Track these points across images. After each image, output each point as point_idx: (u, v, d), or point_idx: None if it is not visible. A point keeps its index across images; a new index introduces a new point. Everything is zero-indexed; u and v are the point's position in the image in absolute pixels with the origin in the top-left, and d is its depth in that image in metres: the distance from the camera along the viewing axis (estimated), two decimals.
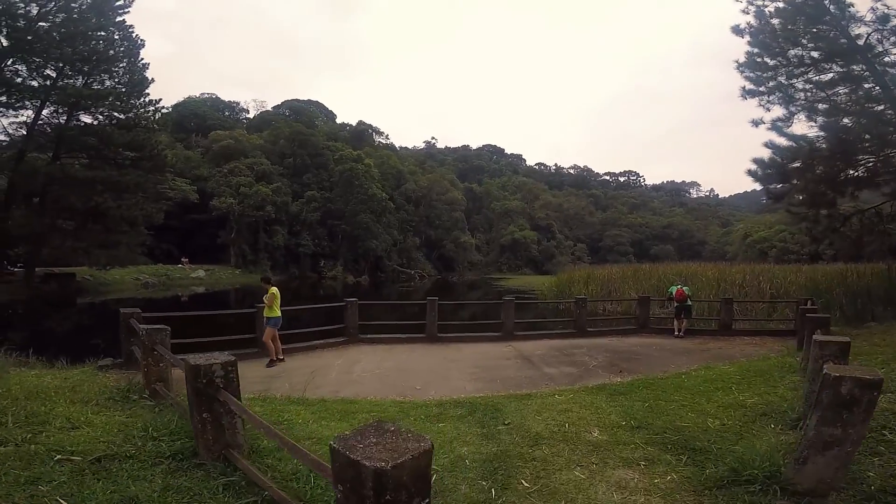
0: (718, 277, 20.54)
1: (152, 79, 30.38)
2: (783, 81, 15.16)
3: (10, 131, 27.95)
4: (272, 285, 8.40)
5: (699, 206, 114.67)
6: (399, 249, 64.07)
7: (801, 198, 16.11)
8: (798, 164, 14.92)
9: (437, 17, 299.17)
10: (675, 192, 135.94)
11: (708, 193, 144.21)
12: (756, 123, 15.70)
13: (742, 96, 15.74)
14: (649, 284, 20.95)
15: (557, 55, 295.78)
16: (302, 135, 61.45)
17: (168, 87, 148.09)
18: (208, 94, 76.54)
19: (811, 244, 30.02)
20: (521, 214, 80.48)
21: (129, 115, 28.99)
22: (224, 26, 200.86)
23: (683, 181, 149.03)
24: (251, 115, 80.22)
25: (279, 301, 8.33)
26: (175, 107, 66.24)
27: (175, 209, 44.40)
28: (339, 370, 7.77)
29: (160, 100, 30.79)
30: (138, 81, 29.73)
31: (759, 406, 5.22)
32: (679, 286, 11.85)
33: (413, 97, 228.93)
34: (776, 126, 15.16)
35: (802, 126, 15.17)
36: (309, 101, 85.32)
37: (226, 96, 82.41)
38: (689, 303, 11.80)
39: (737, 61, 15.66)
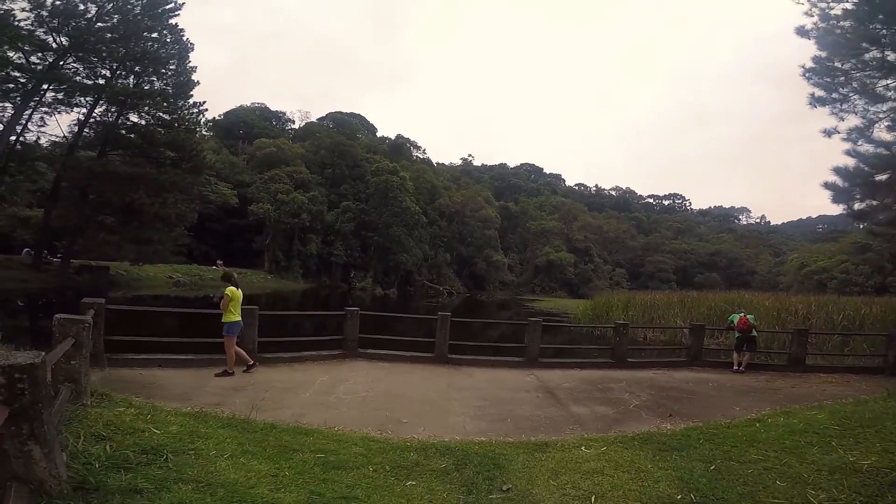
0: (777, 307, 18.27)
1: (198, 81, 31.25)
2: (857, 87, 13.39)
3: (70, 128, 29.35)
4: (231, 284, 7.20)
5: (749, 234, 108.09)
6: (430, 264, 63.13)
7: (886, 216, 14.02)
8: (887, 176, 12.83)
9: (479, 35, 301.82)
10: (723, 218, 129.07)
11: (759, 220, 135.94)
12: (829, 133, 14.20)
13: (811, 104, 14.31)
14: (698, 313, 18.77)
15: (599, 74, 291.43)
16: (342, 146, 62.22)
17: (222, 96, 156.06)
18: (258, 103, 79.40)
19: (891, 273, 26.67)
20: (558, 235, 77.61)
21: (174, 115, 29.76)
22: (277, 40, 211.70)
23: (732, 206, 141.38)
24: (296, 126, 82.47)
25: (238, 304, 7.15)
26: (226, 114, 69.16)
27: (216, 212, 45.53)
28: (317, 389, 6.47)
29: (204, 102, 31.58)
30: (184, 83, 30.57)
31: (883, 470, 3.69)
32: (742, 314, 10.02)
33: (452, 114, 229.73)
34: (858, 134, 13.23)
35: (885, 136, 13.20)
36: (352, 113, 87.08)
37: (274, 107, 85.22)
38: (754, 333, 9.94)
39: (803, 66, 14.16)
